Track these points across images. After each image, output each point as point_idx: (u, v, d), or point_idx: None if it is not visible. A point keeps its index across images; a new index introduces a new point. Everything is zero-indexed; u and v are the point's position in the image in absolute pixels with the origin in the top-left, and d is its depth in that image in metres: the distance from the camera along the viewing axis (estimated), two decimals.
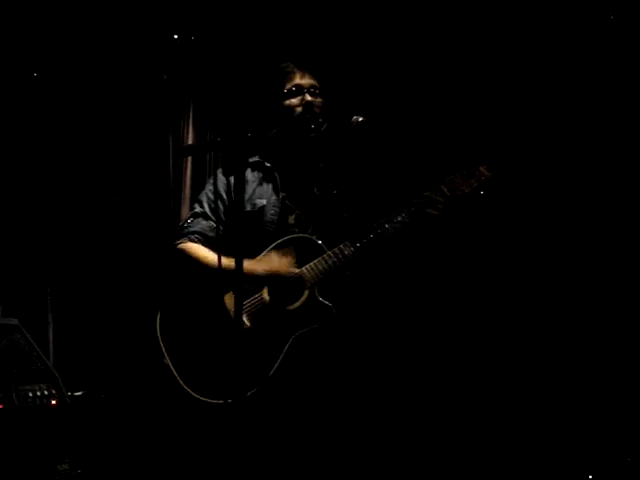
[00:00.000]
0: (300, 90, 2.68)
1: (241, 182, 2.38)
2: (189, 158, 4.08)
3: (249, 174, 2.73)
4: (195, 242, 2.63)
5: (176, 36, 4.07)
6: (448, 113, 3.65)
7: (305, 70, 2.72)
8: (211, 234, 2.64)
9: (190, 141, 4.12)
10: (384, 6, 3.73)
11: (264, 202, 2.66)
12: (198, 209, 2.69)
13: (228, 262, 2.44)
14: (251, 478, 2.16)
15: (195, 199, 2.76)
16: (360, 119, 2.58)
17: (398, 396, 3.48)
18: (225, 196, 2.65)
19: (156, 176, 4.10)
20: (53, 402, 2.77)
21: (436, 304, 3.60)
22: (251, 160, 2.78)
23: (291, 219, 2.65)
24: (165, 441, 3.12)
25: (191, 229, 2.65)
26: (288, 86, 2.68)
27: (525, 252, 3.55)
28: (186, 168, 4.07)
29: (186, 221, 2.69)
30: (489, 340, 3.53)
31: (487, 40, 3.62)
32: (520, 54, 3.56)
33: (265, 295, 2.53)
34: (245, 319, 2.50)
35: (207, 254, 2.60)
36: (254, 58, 3.94)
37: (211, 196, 2.69)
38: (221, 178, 2.71)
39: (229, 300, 2.52)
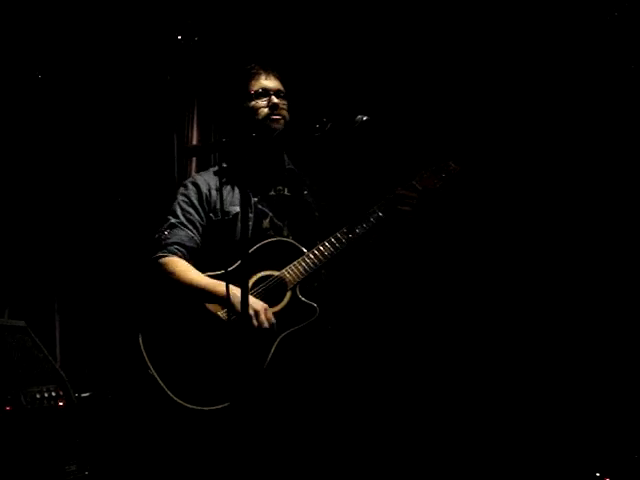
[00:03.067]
0: (266, 92, 2.70)
1: (246, 182, 2.40)
2: (194, 159, 4.08)
3: (218, 183, 2.72)
4: (176, 254, 2.61)
5: (180, 37, 4.07)
6: (416, 109, 3.67)
7: (270, 72, 2.76)
8: (190, 244, 2.64)
9: (194, 141, 4.12)
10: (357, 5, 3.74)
11: (237, 209, 2.65)
12: (173, 220, 2.68)
13: (211, 283, 2.51)
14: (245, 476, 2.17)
15: (168, 210, 2.74)
16: (364, 118, 2.58)
17: (389, 394, 3.50)
18: (198, 205, 2.68)
19: (161, 177, 4.10)
20: (60, 403, 2.77)
21: (416, 299, 3.62)
22: (214, 169, 2.79)
23: (265, 223, 2.67)
24: (172, 442, 3.11)
25: (169, 240, 2.64)
26: (255, 88, 2.71)
27: (506, 246, 3.56)
28: (191, 169, 4.07)
29: (162, 232, 2.67)
30: (470, 329, 3.56)
31: (459, 36, 3.63)
32: (489, 49, 3.58)
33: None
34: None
35: (188, 272, 2.58)
36: (257, 58, 3.94)
37: (184, 206, 2.69)
38: (192, 188, 2.72)
39: (211, 305, 2.54)
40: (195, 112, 4.16)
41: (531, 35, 3.48)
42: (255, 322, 2.42)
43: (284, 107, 2.70)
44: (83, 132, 4.18)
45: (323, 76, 3.75)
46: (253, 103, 2.70)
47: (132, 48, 4.09)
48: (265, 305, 2.48)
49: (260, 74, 2.73)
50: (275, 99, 2.69)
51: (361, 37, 3.76)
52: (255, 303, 2.45)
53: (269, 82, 2.73)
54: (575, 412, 3.33)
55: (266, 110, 2.67)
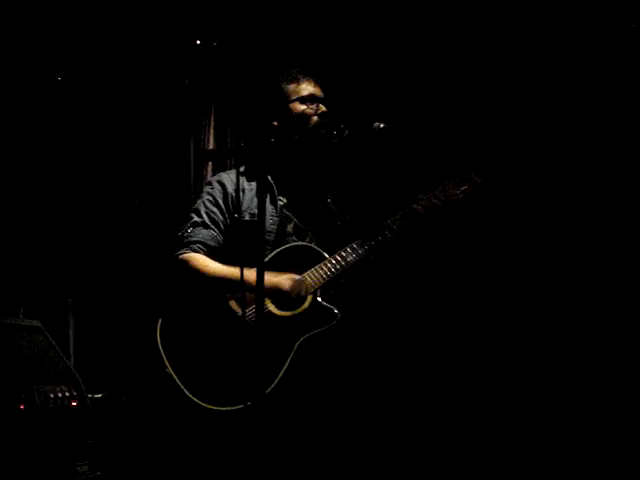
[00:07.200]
0: (315, 99, 2.69)
1: (264, 187, 2.40)
2: (209, 163, 4.10)
3: (245, 183, 2.72)
4: (198, 252, 2.61)
5: (198, 41, 4.10)
6: (441, 122, 3.66)
7: (317, 80, 2.74)
8: (212, 243, 2.63)
9: (211, 146, 4.13)
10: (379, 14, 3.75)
11: None
12: (197, 218, 2.66)
13: (236, 272, 2.44)
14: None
15: (192, 209, 2.73)
16: (382, 125, 2.58)
17: (404, 397, 3.49)
18: (223, 205, 2.67)
19: (177, 180, 4.12)
20: (74, 403, 2.79)
21: (436, 306, 3.62)
22: (242, 169, 2.78)
23: (289, 228, 2.66)
24: (183, 444, 3.13)
25: (192, 239, 2.63)
26: (304, 93, 2.68)
27: (521, 255, 3.55)
28: (206, 173, 4.09)
29: (185, 231, 2.66)
30: (489, 341, 3.54)
31: (484, 49, 3.62)
32: (515, 63, 3.56)
33: (269, 302, 2.53)
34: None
35: (212, 264, 2.58)
36: (276, 64, 3.96)
37: (209, 205, 2.68)
38: (217, 187, 2.71)
39: (235, 305, 2.53)
40: (212, 116, 4.18)
41: (560, 51, 3.47)
42: (301, 292, 2.51)
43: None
44: (100, 135, 4.22)
45: (344, 83, 3.74)
46: (303, 108, 2.67)
47: (151, 52, 4.12)
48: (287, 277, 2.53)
49: (309, 80, 2.71)
50: (324, 107, 2.68)
51: (384, 46, 3.76)
52: (277, 284, 2.50)
53: (317, 90, 2.71)
54: (578, 415, 3.32)
55: (316, 118, 2.65)
